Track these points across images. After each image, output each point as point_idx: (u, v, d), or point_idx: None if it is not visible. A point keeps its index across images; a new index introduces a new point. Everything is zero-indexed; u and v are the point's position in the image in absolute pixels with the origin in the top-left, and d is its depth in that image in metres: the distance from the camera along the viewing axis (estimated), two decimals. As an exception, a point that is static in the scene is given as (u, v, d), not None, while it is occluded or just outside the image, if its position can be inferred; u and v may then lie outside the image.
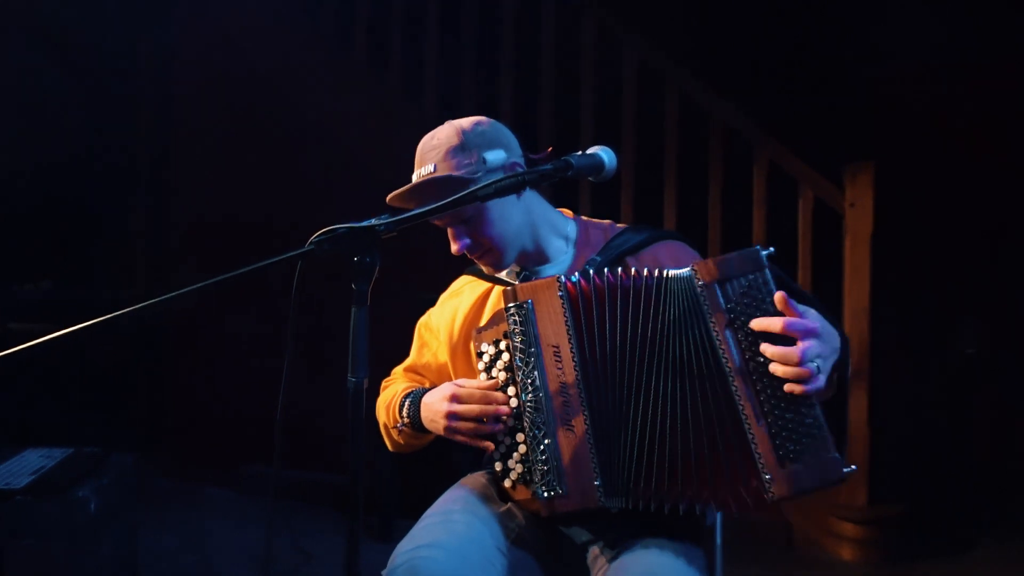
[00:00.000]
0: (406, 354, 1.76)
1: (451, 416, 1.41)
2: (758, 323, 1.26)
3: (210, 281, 1.17)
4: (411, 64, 3.89)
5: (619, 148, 3.52)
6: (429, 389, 1.54)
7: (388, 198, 1.50)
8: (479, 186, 1.27)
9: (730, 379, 1.29)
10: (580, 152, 1.36)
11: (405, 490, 3.06)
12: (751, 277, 1.29)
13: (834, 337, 1.29)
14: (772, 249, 1.30)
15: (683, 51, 3.56)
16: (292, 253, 1.16)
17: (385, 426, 1.64)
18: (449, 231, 1.52)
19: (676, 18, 4.02)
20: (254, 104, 4.13)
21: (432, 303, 1.74)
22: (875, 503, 3.10)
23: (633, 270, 1.37)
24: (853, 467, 1.26)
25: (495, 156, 1.47)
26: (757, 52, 4.08)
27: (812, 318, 1.26)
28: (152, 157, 4.57)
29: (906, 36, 3.86)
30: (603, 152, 1.37)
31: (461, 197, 1.25)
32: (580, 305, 1.37)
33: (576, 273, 1.41)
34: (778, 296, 1.25)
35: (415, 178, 1.51)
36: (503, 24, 3.74)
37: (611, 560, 1.40)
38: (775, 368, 1.25)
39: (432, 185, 1.46)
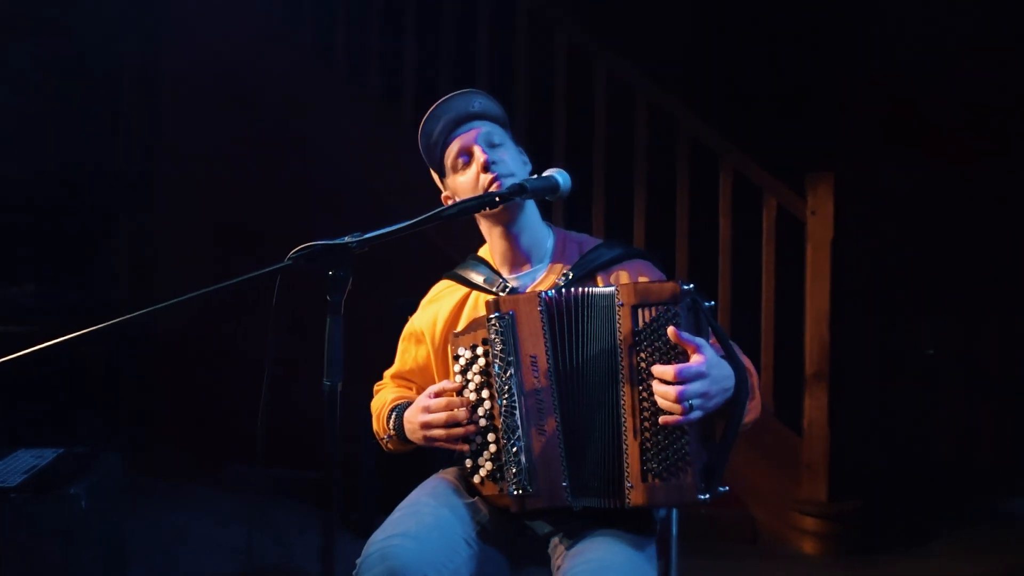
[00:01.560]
0: (387, 355, 1.85)
1: (424, 426, 1.52)
2: (656, 370, 1.37)
3: (197, 293, 1.28)
4: (392, 73, 3.99)
5: (590, 158, 3.65)
6: (409, 403, 1.63)
7: (435, 105, 1.63)
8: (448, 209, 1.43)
9: (621, 396, 1.42)
10: (536, 176, 1.48)
11: (384, 488, 3.16)
12: (663, 308, 1.39)
13: (726, 379, 1.41)
14: (692, 285, 1.40)
15: (651, 65, 3.66)
16: (271, 268, 1.27)
17: (377, 434, 1.73)
18: (475, 151, 1.62)
19: (645, 33, 4.13)
20: (240, 114, 4.20)
21: (409, 306, 1.83)
22: (835, 499, 3.21)
23: (583, 288, 1.48)
24: (720, 489, 1.41)
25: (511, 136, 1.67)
26: (723, 66, 4.20)
27: (708, 359, 1.36)
28: (137, 165, 4.60)
29: (863, 50, 4.01)
30: (558, 175, 1.49)
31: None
32: (556, 318, 1.48)
33: (553, 289, 1.52)
34: (670, 331, 1.36)
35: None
36: (477, 41, 3.84)
37: (568, 548, 1.50)
38: (657, 398, 1.38)
39: (483, 96, 1.65)
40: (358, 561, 1.46)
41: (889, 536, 3.38)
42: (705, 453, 1.41)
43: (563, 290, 1.50)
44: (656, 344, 1.39)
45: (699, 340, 1.37)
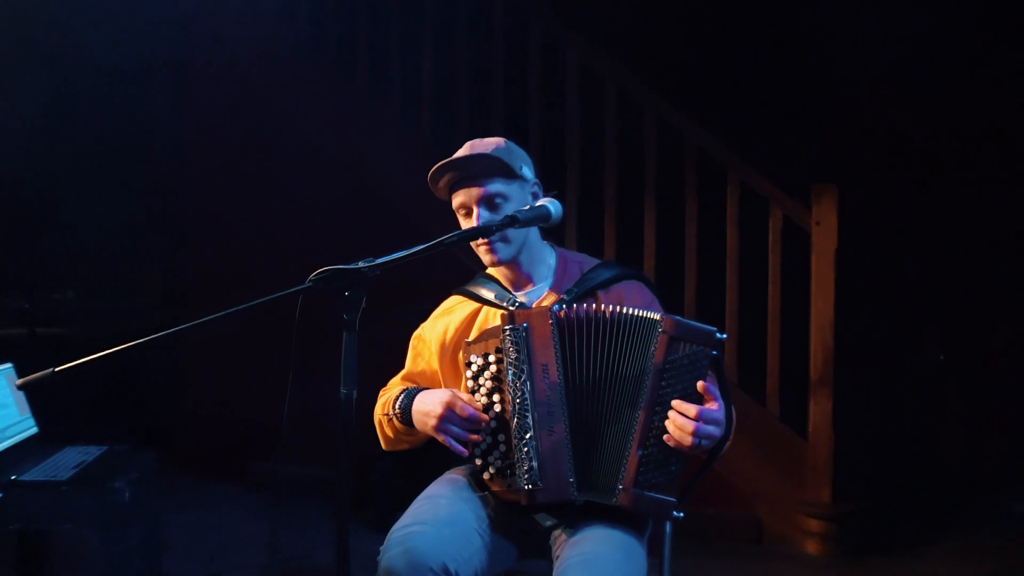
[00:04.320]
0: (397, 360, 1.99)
1: (443, 419, 1.65)
2: (680, 404, 1.55)
3: (225, 312, 1.44)
4: (410, 90, 4.12)
5: (601, 171, 3.77)
6: (425, 388, 1.78)
7: (438, 165, 1.74)
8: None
9: (639, 410, 1.58)
10: (528, 207, 1.64)
11: (400, 486, 3.29)
12: (697, 348, 1.56)
13: (726, 428, 1.58)
14: (725, 335, 1.57)
15: (660, 79, 3.77)
16: (293, 289, 1.43)
17: (379, 422, 1.86)
18: (472, 216, 1.74)
19: (653, 47, 4.23)
20: (260, 126, 4.35)
21: (421, 313, 1.98)
22: (838, 501, 3.30)
23: (609, 307, 1.63)
24: (680, 515, 1.58)
25: (527, 172, 1.78)
26: (730, 80, 4.29)
27: (721, 410, 1.55)
28: (166, 182, 4.79)
29: (869, 63, 4.08)
30: (550, 204, 1.65)
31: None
32: (566, 332, 1.63)
33: (564, 305, 1.68)
34: (700, 385, 1.55)
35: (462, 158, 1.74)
36: (493, 58, 3.97)
37: (567, 539, 1.64)
38: (669, 424, 1.55)
39: (486, 160, 1.73)
40: (381, 548, 1.59)
41: (892, 538, 3.46)
42: (686, 478, 1.59)
43: (573, 306, 1.65)
44: (681, 376, 1.56)
45: (717, 393, 1.56)
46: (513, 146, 1.81)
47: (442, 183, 1.79)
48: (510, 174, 1.75)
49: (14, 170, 4.43)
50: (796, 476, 3.39)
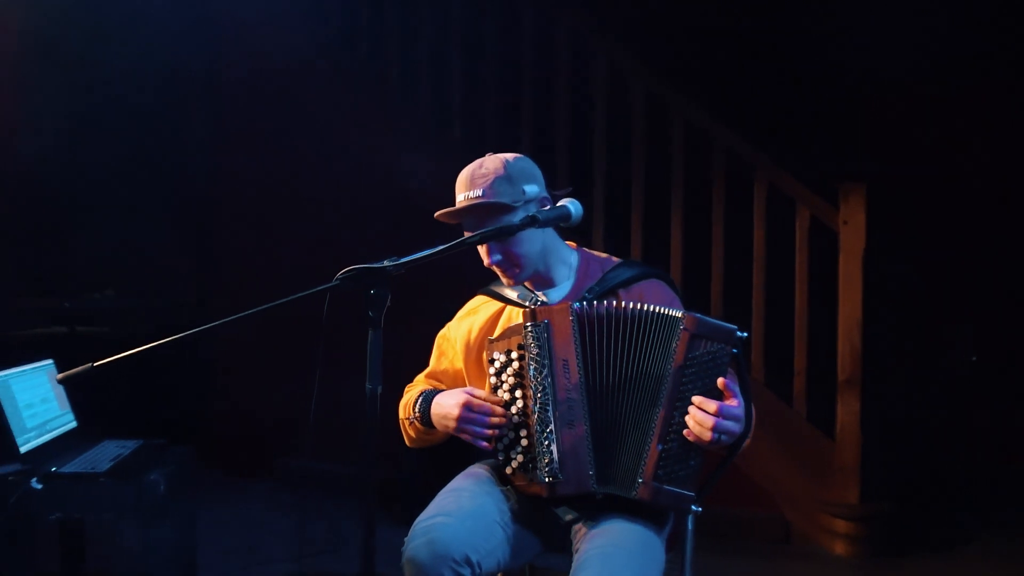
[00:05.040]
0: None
1: (461, 420, 1.69)
2: (701, 400, 1.56)
3: (255, 310, 1.49)
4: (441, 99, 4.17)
5: (629, 171, 3.79)
6: (442, 391, 1.82)
7: (437, 215, 1.77)
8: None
9: (659, 406, 1.60)
10: (548, 207, 1.66)
11: (427, 482, 3.35)
12: (719, 346, 1.58)
13: (745, 425, 1.59)
14: (746, 333, 1.59)
15: (687, 80, 3.79)
16: (321, 287, 1.47)
17: (402, 421, 1.91)
18: (482, 248, 1.78)
19: (681, 50, 4.24)
20: (292, 131, 4.43)
21: (447, 312, 2.01)
22: (866, 501, 3.29)
23: (630, 304, 1.65)
24: (699, 509, 1.60)
25: (531, 189, 1.76)
26: (757, 80, 4.28)
27: (740, 405, 1.56)
28: (200, 187, 4.88)
29: (897, 61, 4.05)
30: (571, 204, 1.68)
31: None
32: (586, 328, 1.66)
33: (584, 302, 1.70)
34: (720, 382, 1.56)
35: (462, 199, 1.75)
36: (522, 64, 4.01)
37: (587, 532, 1.67)
38: (689, 419, 1.56)
39: (482, 208, 1.74)
40: (405, 539, 1.63)
41: (920, 539, 3.44)
42: (705, 474, 1.61)
43: (594, 303, 1.68)
44: (702, 373, 1.58)
45: (737, 390, 1.57)
46: (514, 167, 1.75)
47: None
48: (509, 208, 1.73)
49: (55, 175, 4.57)
50: (823, 476, 3.39)
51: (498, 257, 1.75)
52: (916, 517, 3.54)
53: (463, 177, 1.77)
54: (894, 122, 4.16)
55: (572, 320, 1.66)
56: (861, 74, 4.17)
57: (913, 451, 3.89)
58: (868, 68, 4.14)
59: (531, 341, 1.66)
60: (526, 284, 1.87)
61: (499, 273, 1.81)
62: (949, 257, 4.08)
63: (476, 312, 1.92)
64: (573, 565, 1.60)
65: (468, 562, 1.57)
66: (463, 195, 1.76)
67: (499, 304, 1.89)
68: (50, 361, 2.60)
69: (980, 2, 3.88)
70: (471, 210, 1.75)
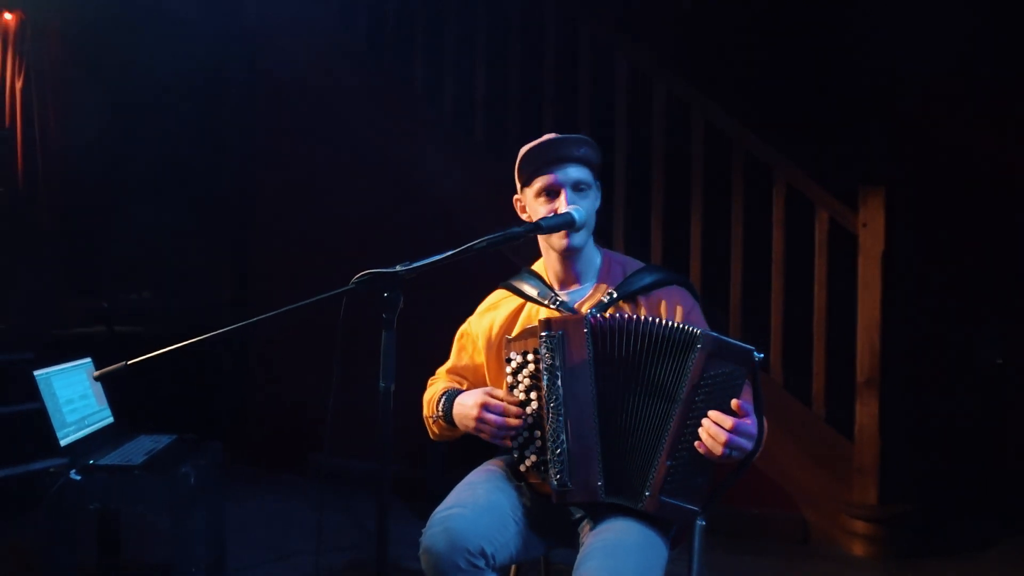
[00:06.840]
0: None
1: (479, 420, 1.75)
2: (716, 415, 1.57)
3: (280, 311, 1.57)
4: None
5: (649, 173, 3.82)
6: (464, 390, 1.88)
7: (548, 138, 1.82)
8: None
9: (670, 422, 1.63)
10: (553, 213, 1.73)
11: (449, 479, 3.41)
12: (734, 368, 1.59)
13: (756, 442, 1.60)
14: (763, 355, 1.60)
15: (707, 82, 3.80)
16: (338, 290, 1.54)
17: (426, 419, 1.97)
18: (563, 192, 1.79)
19: (702, 51, 4.26)
20: (322, 133, 4.52)
21: (467, 307, 2.06)
22: (885, 503, 3.29)
23: (647, 318, 1.68)
24: (703, 523, 1.70)
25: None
26: (777, 83, 4.28)
27: (754, 425, 1.58)
28: (235, 189, 5.01)
29: (915, 64, 4.03)
30: (575, 211, 1.74)
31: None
32: (600, 341, 1.69)
33: (600, 313, 1.75)
34: (734, 403, 1.57)
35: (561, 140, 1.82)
36: (543, 68, 4.07)
37: (594, 526, 1.73)
38: (703, 432, 1.58)
39: (589, 145, 1.83)
40: (424, 529, 1.70)
41: (940, 541, 3.43)
42: (712, 489, 1.65)
43: (609, 315, 1.71)
44: (716, 392, 1.58)
45: (751, 408, 1.59)
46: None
47: (533, 164, 1.84)
48: (596, 169, 1.83)
49: (95, 179, 4.73)
50: (842, 477, 3.40)
51: (578, 208, 1.79)
52: (935, 519, 3.53)
53: (556, 137, 1.84)
54: (916, 123, 4.14)
55: (586, 332, 1.68)
56: (882, 76, 4.16)
57: (934, 453, 3.87)
58: (889, 70, 4.13)
59: (545, 352, 1.68)
60: (547, 279, 1.91)
61: (567, 232, 1.81)
62: (973, 259, 4.05)
63: (497, 307, 1.97)
64: (578, 557, 1.66)
65: (483, 553, 1.63)
66: (569, 136, 1.83)
67: (519, 300, 1.93)
68: (88, 359, 2.71)
69: (1004, 3, 3.85)
70: (583, 142, 1.82)
